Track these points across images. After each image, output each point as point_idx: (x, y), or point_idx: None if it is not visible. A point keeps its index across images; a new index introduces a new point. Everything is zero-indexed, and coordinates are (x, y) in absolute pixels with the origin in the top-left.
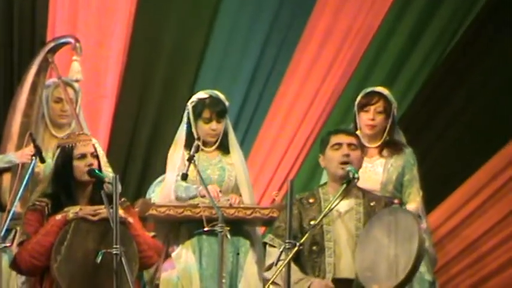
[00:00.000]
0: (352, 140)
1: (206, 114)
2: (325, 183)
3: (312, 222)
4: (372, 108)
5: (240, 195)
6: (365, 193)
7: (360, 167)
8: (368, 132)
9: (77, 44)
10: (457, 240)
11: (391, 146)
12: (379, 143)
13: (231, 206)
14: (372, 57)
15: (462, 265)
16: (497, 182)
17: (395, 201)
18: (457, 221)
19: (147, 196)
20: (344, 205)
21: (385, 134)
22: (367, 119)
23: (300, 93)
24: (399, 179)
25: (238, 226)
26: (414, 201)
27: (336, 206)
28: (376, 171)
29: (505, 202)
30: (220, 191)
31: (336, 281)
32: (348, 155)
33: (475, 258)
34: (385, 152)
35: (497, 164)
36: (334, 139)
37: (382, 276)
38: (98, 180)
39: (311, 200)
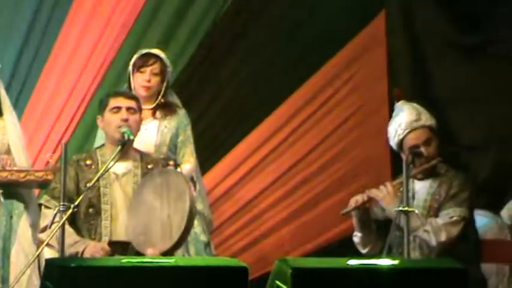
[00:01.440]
0: (132, 103)
1: None
2: (103, 145)
3: (88, 184)
4: (148, 69)
5: (13, 158)
6: (143, 156)
7: (138, 130)
8: (143, 93)
9: None
10: (232, 200)
11: (164, 108)
12: (153, 105)
13: (3, 169)
14: (148, 18)
15: (237, 226)
16: (272, 142)
17: (170, 162)
18: (232, 182)
19: None
20: (122, 167)
21: (159, 97)
22: (143, 80)
23: (74, 54)
24: (173, 141)
25: (12, 189)
26: (188, 162)
27: (111, 167)
28: (149, 133)
29: (280, 162)
30: None
31: (113, 243)
32: (126, 120)
33: (250, 218)
34: (158, 114)
35: (273, 124)
36: (113, 102)
37: (156, 239)
38: None
39: (88, 162)
